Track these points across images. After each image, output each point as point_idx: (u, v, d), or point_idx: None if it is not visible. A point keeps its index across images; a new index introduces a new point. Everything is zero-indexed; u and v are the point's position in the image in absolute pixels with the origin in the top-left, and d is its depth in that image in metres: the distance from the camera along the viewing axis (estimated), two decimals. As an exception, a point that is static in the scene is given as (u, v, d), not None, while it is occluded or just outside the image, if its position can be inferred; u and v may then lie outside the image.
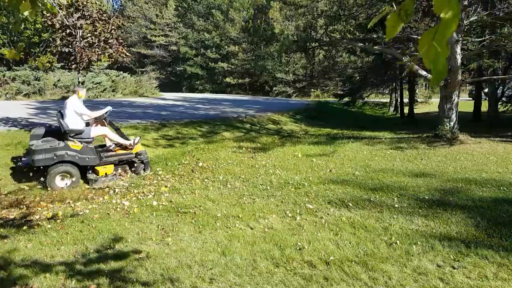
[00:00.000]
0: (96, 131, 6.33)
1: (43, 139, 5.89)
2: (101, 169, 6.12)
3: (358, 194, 5.14)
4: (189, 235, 3.87)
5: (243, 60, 35.95)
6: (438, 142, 8.79)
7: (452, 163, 6.89)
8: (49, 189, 5.60)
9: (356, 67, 23.18)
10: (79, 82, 8.16)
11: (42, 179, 5.72)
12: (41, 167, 5.69)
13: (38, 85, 17.33)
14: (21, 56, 2.48)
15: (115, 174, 6.29)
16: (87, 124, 6.35)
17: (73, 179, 5.81)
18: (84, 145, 5.94)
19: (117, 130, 6.76)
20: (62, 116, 6.15)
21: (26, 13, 1.96)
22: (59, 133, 6.07)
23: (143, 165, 6.62)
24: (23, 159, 6.09)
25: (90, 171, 6.11)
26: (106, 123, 6.60)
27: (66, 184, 5.78)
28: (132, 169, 6.54)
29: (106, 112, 6.48)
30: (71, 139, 5.92)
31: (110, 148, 6.51)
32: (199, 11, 39.42)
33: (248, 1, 36.03)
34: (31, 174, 5.94)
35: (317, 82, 34.72)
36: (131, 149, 6.52)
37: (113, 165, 6.30)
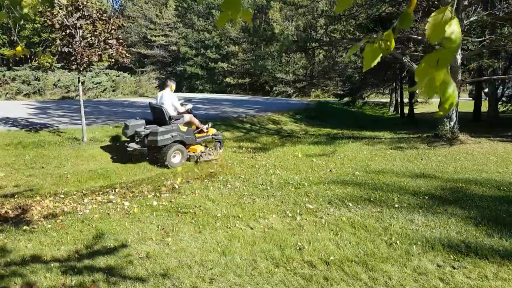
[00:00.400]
0: (186, 117, 7.52)
1: (148, 126, 7.05)
2: (197, 148, 7.53)
3: (358, 194, 5.14)
4: (189, 235, 3.87)
5: (243, 60, 35.94)
6: (438, 142, 8.79)
7: (452, 163, 6.89)
8: (168, 166, 6.85)
9: (356, 67, 23.16)
10: (79, 82, 8.15)
11: (165, 158, 6.86)
12: (159, 147, 6.85)
13: (38, 85, 17.33)
14: (27, 54, 2.49)
15: (210, 150, 7.74)
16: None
17: (182, 156, 7.10)
18: (188, 127, 7.29)
19: (195, 115, 8.14)
20: (157, 106, 7.38)
21: (25, 10, 1.96)
22: (154, 121, 7.36)
23: (219, 143, 8.15)
24: (131, 144, 7.05)
25: (186, 153, 7.32)
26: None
27: (178, 161, 7.02)
28: (208, 152, 7.73)
29: (189, 104, 7.86)
30: (172, 123, 7.13)
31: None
32: (199, 11, 39.41)
33: (247, 1, 36.01)
34: (133, 158, 7.14)
35: (317, 82, 34.70)
36: (207, 132, 7.91)
37: (199, 144, 7.66)
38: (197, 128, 7.80)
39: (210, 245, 3.62)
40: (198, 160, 7.29)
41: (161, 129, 6.76)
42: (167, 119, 7.11)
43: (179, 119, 7.32)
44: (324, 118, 16.10)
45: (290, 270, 3.11)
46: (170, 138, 6.82)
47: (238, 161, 7.59)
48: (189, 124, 7.57)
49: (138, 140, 6.93)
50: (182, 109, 7.48)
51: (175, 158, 7.01)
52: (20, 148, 7.40)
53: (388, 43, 0.91)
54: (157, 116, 7.35)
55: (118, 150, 7.75)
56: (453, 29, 0.81)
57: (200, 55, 37.90)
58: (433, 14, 0.83)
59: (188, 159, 7.29)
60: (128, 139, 7.16)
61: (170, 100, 7.35)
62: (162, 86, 7.29)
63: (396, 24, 0.90)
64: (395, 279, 2.93)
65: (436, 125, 9.33)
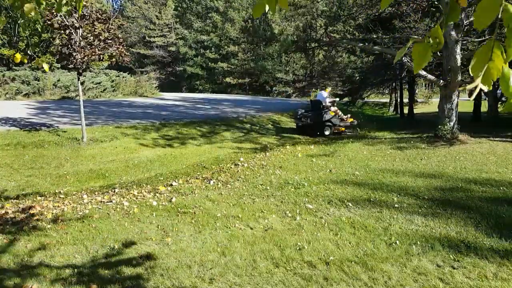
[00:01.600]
0: (332, 108, 11.68)
1: (310, 112, 11.75)
2: (341, 129, 11.83)
3: (358, 194, 5.13)
4: (189, 235, 3.87)
5: (243, 60, 35.95)
6: (438, 142, 8.78)
7: (452, 163, 6.88)
8: (324, 135, 11.39)
9: (356, 67, 23.18)
10: (79, 82, 8.15)
11: (322, 129, 11.42)
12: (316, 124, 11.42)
13: (37, 85, 17.31)
14: (25, 61, 2.49)
15: (349, 130, 12.01)
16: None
17: (330, 130, 11.51)
18: (334, 114, 11.56)
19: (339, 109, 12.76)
20: (315, 99, 12.17)
21: (32, 13, 1.96)
22: (312, 109, 11.95)
23: (358, 128, 12.18)
24: (299, 123, 11.79)
25: (333, 129, 11.71)
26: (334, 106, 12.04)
27: (328, 133, 11.42)
28: (347, 131, 11.91)
29: (335, 102, 12.27)
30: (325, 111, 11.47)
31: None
32: (198, 11, 39.40)
33: (247, 1, 35.98)
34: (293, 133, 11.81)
35: (317, 82, 34.70)
36: (346, 120, 11.99)
37: (342, 128, 11.85)
38: (339, 116, 11.79)
39: (210, 245, 3.61)
40: (343, 133, 11.61)
41: (322, 112, 11.29)
42: (321, 108, 11.46)
43: (328, 108, 11.51)
44: (324, 118, 16.07)
45: (290, 270, 3.11)
46: (326, 117, 11.34)
47: (238, 161, 7.59)
48: (334, 113, 11.63)
49: (304, 119, 11.47)
50: (331, 101, 11.77)
51: (327, 131, 11.42)
52: (20, 148, 7.39)
53: (437, 39, 0.87)
54: (314, 105, 11.81)
55: (288, 130, 12.39)
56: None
57: (200, 55, 37.89)
58: None
59: (334, 133, 11.55)
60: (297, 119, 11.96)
61: (326, 97, 11.76)
62: (323, 88, 12.78)
63: (444, 19, 0.88)
64: (395, 279, 2.93)
65: (436, 125, 9.32)
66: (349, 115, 12.53)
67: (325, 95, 11.87)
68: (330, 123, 11.51)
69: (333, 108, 11.71)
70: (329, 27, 12.81)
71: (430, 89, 32.93)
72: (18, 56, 2.41)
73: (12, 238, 3.78)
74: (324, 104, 11.62)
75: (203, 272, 3.09)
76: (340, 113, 11.92)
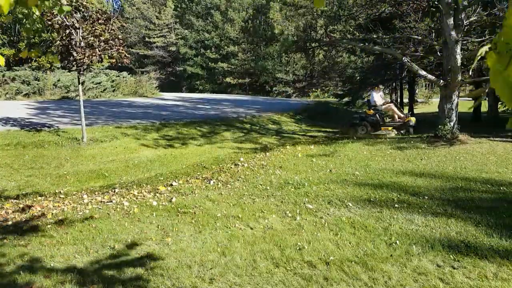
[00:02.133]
0: (385, 107, 11.58)
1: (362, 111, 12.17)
2: (386, 128, 11.15)
3: (358, 194, 5.13)
4: (189, 235, 3.87)
5: (243, 60, 35.93)
6: (438, 142, 8.77)
7: (452, 163, 6.88)
8: (356, 133, 10.89)
9: (356, 67, 23.17)
10: (79, 82, 8.15)
11: (354, 128, 11.25)
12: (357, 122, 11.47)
13: (38, 85, 17.32)
14: (35, 56, 2.50)
15: (392, 131, 11.06)
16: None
17: (366, 130, 11.10)
18: (374, 113, 11.29)
19: (398, 108, 12.58)
20: (370, 99, 11.96)
21: (37, 12, 1.96)
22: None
23: (411, 128, 11.05)
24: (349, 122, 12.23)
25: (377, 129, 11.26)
26: (392, 103, 12.18)
27: (362, 132, 11.01)
28: (402, 131, 10.98)
29: (391, 101, 12.78)
30: (372, 110, 11.38)
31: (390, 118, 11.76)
32: (198, 11, 39.39)
33: (247, 1, 35.97)
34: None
35: (317, 82, 34.67)
36: (402, 120, 11.28)
37: (389, 127, 11.15)
38: (397, 116, 11.42)
39: (210, 245, 3.61)
40: (383, 134, 10.92)
41: (360, 111, 12.47)
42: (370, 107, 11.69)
43: (376, 106, 11.44)
44: (324, 118, 16.10)
45: (290, 270, 3.11)
46: (358, 117, 11.71)
47: (238, 161, 7.58)
48: (389, 111, 11.56)
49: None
50: (379, 102, 11.59)
51: (362, 131, 11.12)
52: (20, 148, 7.40)
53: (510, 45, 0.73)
54: (368, 105, 12.12)
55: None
56: None
57: (200, 55, 37.88)
58: None
59: (375, 132, 11.16)
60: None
61: (374, 95, 11.77)
62: (375, 88, 12.52)
63: None
64: (395, 279, 2.93)
65: (436, 125, 9.32)
66: (409, 114, 12.30)
67: (374, 94, 11.84)
68: (365, 123, 11.28)
69: (384, 107, 11.59)
70: (329, 27, 12.81)
71: (430, 89, 32.91)
72: (24, 54, 2.43)
73: (12, 238, 3.78)
74: (373, 103, 11.53)
75: (203, 272, 3.09)
76: (396, 111, 11.62)
